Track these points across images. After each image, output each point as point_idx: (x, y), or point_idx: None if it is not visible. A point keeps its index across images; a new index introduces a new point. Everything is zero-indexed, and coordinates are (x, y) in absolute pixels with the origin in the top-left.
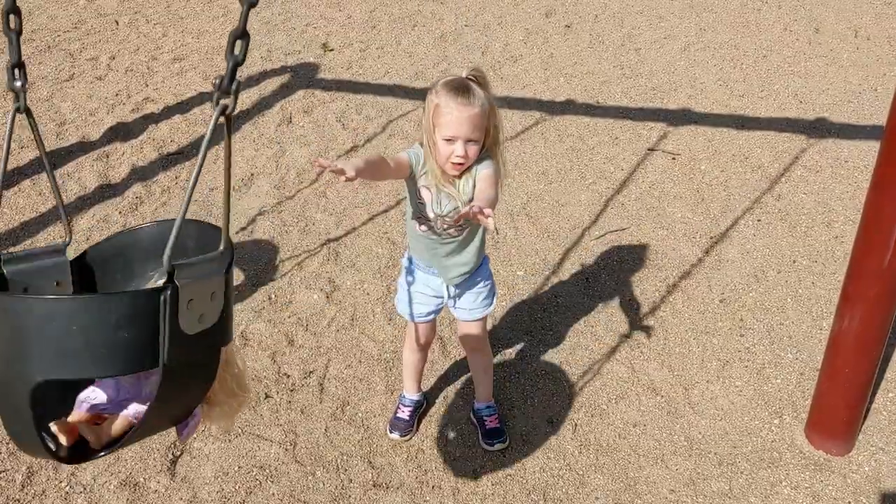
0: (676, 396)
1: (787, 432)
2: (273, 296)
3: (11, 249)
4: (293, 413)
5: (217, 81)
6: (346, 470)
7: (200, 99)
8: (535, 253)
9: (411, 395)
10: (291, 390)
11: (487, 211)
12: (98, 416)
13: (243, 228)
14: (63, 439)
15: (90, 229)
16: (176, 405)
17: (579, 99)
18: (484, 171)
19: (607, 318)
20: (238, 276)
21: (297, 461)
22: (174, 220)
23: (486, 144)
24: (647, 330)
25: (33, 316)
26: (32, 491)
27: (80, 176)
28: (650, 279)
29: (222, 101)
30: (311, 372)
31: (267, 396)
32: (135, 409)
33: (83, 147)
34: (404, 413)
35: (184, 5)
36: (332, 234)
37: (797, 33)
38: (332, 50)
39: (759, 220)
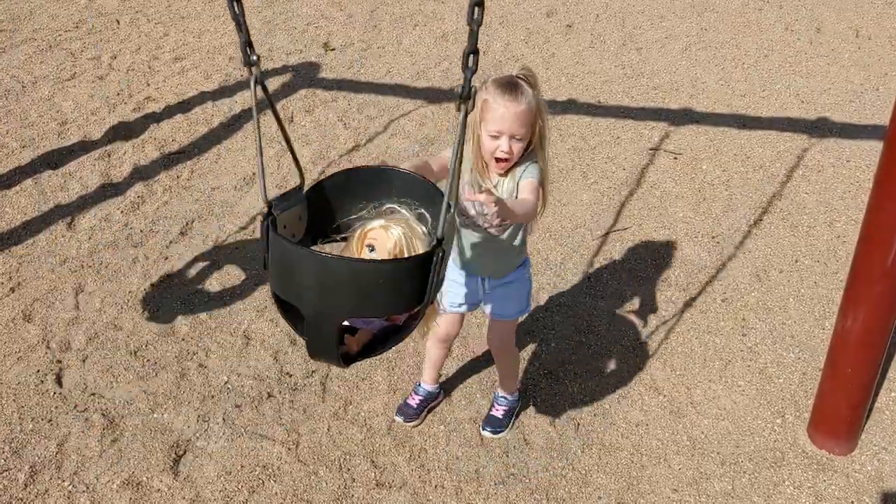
0: (679, 396)
1: (789, 432)
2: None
3: (271, 198)
4: (296, 412)
5: (458, 89)
6: (348, 469)
7: (202, 98)
8: (538, 252)
9: (427, 385)
10: (294, 390)
11: (485, 198)
12: (353, 328)
13: (243, 228)
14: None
15: (92, 228)
16: (418, 322)
17: (581, 98)
18: (528, 178)
19: (609, 317)
20: (240, 275)
21: (300, 460)
22: (379, 167)
23: (532, 144)
24: (650, 330)
25: (355, 272)
26: (35, 490)
27: (82, 175)
28: (652, 279)
29: (464, 106)
30: (313, 371)
31: (269, 396)
32: (377, 324)
33: (85, 146)
34: (414, 401)
35: (185, 5)
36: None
37: (798, 33)
38: (333, 49)
39: (760, 220)
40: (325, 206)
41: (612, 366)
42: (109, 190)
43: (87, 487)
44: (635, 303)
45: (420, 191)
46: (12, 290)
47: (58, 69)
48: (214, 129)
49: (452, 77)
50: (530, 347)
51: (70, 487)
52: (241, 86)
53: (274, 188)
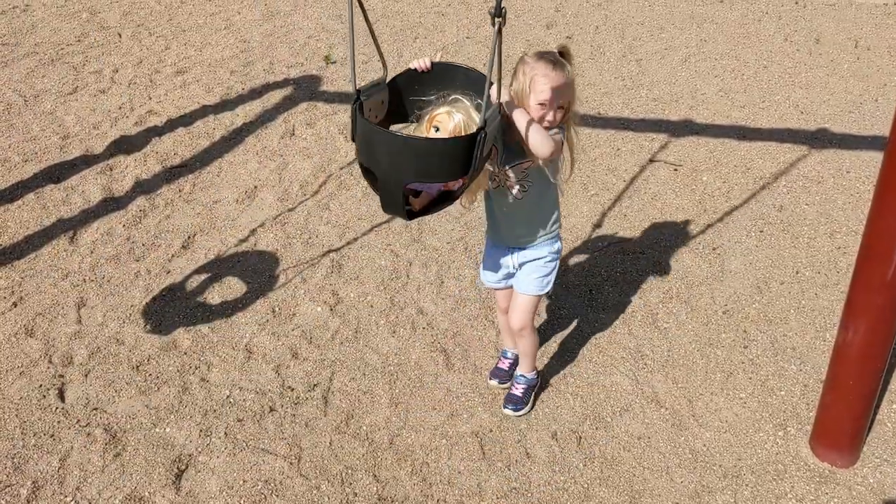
0: (681, 409)
1: (791, 444)
2: (277, 308)
3: (360, 86)
4: (297, 426)
5: (492, 10)
6: (350, 483)
7: (203, 111)
8: None
9: (511, 348)
10: (296, 403)
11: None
12: (415, 191)
13: (244, 240)
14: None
15: (94, 242)
16: (467, 188)
17: (581, 110)
18: (555, 135)
19: (611, 329)
20: (241, 288)
21: (302, 475)
22: (446, 62)
23: (567, 113)
24: (651, 342)
25: (415, 147)
26: None
27: (84, 189)
28: (653, 290)
29: (497, 21)
30: (315, 385)
31: (271, 410)
32: (435, 189)
33: (87, 160)
34: (504, 364)
35: (186, 18)
36: (335, 245)
37: (798, 44)
38: (334, 62)
39: (761, 231)
40: (404, 93)
41: (613, 379)
42: (111, 204)
43: (90, 502)
44: (637, 315)
45: (481, 85)
46: (14, 304)
47: (60, 83)
48: (216, 143)
49: None
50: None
51: (72, 503)
52: (243, 98)
53: (276, 200)
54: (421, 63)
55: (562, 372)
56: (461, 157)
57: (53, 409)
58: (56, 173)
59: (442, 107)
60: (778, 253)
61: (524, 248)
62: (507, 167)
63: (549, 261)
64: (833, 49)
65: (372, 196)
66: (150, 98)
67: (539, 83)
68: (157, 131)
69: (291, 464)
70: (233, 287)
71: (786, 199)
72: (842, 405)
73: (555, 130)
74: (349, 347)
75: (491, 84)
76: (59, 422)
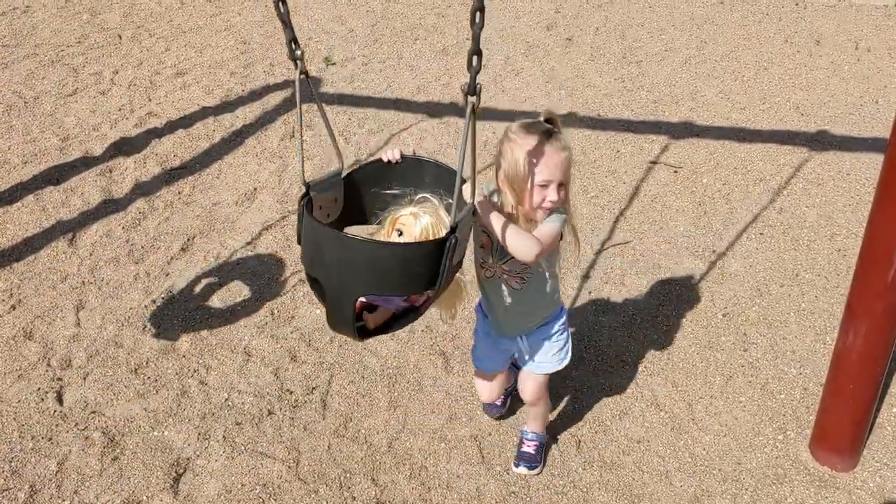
0: (680, 412)
1: (791, 448)
2: (276, 311)
3: (310, 180)
4: (296, 430)
5: (464, 87)
6: (349, 487)
7: (203, 113)
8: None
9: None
10: (294, 407)
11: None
12: (373, 306)
13: (248, 243)
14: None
15: (93, 244)
16: (431, 304)
17: (581, 112)
18: (549, 223)
19: (610, 332)
20: (240, 291)
21: (300, 479)
22: (414, 156)
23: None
24: (651, 345)
25: (372, 252)
26: None
27: (84, 191)
28: (653, 293)
29: (471, 100)
30: (313, 388)
31: (270, 413)
32: (396, 304)
33: (86, 162)
34: (530, 447)
35: (186, 20)
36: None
37: (798, 45)
38: (334, 64)
39: (761, 234)
40: (362, 190)
41: (612, 382)
42: (111, 206)
43: None
44: (636, 318)
45: (451, 182)
46: (13, 307)
47: (60, 84)
48: (216, 145)
49: (453, 91)
50: None
51: None
52: (243, 100)
53: (276, 203)
54: (391, 154)
55: (561, 375)
56: (427, 265)
57: (51, 412)
58: (55, 175)
59: (407, 207)
60: (778, 255)
61: (530, 333)
62: (500, 262)
63: (562, 333)
64: (833, 51)
65: None
66: (150, 100)
67: (534, 161)
68: (157, 133)
69: (290, 467)
70: (232, 290)
71: (786, 201)
72: (842, 409)
73: (553, 217)
74: (348, 350)
75: (464, 181)
76: (57, 425)
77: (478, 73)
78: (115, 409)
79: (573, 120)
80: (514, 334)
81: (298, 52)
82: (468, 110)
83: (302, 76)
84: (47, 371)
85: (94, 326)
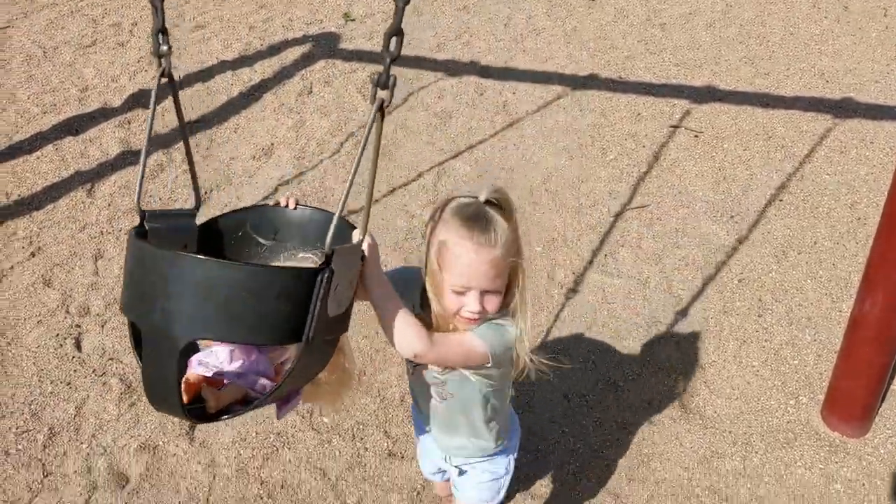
0: (692, 375)
1: (803, 413)
2: None
3: (148, 208)
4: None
5: (375, 77)
6: (361, 439)
7: (221, 67)
8: (554, 228)
9: None
10: None
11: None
12: (220, 381)
13: (264, 198)
14: (183, 397)
15: (112, 195)
16: (298, 381)
17: (602, 74)
18: (467, 335)
19: (625, 295)
20: None
21: (314, 429)
22: (299, 206)
23: (511, 294)
24: (665, 309)
25: (209, 274)
26: (54, 451)
27: (102, 142)
28: (669, 257)
29: (380, 95)
30: None
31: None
32: (253, 381)
33: (105, 113)
34: None
35: None
36: (351, 205)
37: (825, 11)
38: (353, 20)
39: (781, 201)
40: (227, 239)
41: (626, 344)
42: (129, 157)
43: (105, 450)
44: (651, 281)
45: (345, 234)
46: (33, 254)
47: (79, 35)
48: (234, 99)
49: (474, 49)
50: (543, 324)
51: (88, 450)
52: (261, 55)
53: (293, 158)
54: (285, 200)
55: (574, 337)
56: (289, 301)
57: (70, 357)
58: (75, 125)
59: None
60: (797, 222)
61: (458, 460)
62: (412, 368)
63: (493, 479)
64: (861, 17)
65: (387, 157)
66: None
67: (451, 258)
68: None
69: (304, 418)
70: None
71: (807, 168)
72: (855, 376)
73: (482, 329)
74: (362, 305)
75: (350, 229)
76: (75, 370)
77: (394, 60)
78: (132, 356)
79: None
80: (440, 446)
81: (164, 48)
82: (374, 108)
83: (164, 80)
84: (66, 318)
85: (113, 276)
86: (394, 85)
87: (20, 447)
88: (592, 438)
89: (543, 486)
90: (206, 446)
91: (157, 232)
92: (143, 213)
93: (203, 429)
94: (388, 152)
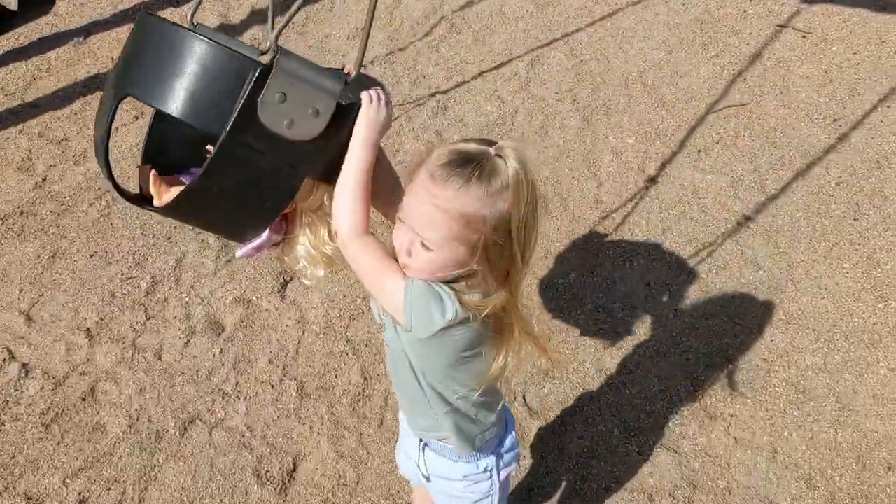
0: (779, 272)
1: (891, 317)
2: (382, 142)
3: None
4: None
5: None
6: None
7: None
8: (648, 122)
9: None
10: None
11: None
12: (175, 180)
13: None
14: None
15: None
16: (226, 203)
17: None
18: (395, 279)
19: (716, 191)
20: None
21: None
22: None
23: (476, 270)
24: (755, 206)
25: (155, 36)
26: (155, 298)
27: (202, 14)
28: (765, 156)
29: None
30: None
31: None
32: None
33: None
34: None
35: None
36: (443, 87)
37: None
38: None
39: (888, 107)
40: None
41: (713, 239)
42: (228, 30)
43: (202, 300)
44: (745, 179)
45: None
46: (136, 117)
47: None
48: None
49: None
50: (632, 214)
51: (187, 299)
52: None
53: (386, 38)
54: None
55: (661, 227)
56: (214, 90)
57: None
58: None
59: None
60: None
61: (428, 444)
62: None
63: (467, 489)
64: None
65: (482, 42)
66: None
67: (414, 180)
68: None
69: None
70: None
71: None
72: None
73: (414, 283)
74: None
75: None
76: (175, 227)
77: None
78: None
79: None
80: (409, 425)
81: None
82: None
83: None
84: None
85: None
86: None
87: (125, 291)
88: (670, 324)
89: (620, 367)
90: (297, 304)
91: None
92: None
93: (294, 288)
94: (481, 38)
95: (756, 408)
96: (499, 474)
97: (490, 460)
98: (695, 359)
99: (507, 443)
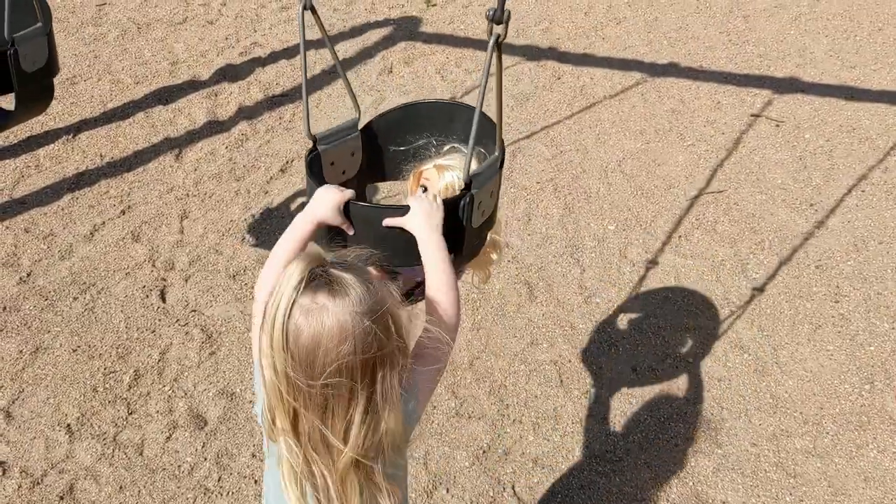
0: (764, 356)
1: (877, 398)
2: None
3: (319, 132)
4: None
5: (490, 13)
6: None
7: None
8: (628, 209)
9: None
10: None
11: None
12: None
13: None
14: None
15: (198, 161)
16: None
17: (682, 63)
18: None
19: (698, 275)
20: None
21: None
22: (443, 100)
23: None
24: (739, 290)
25: (357, 215)
26: (138, 392)
27: (190, 112)
28: (745, 241)
29: (495, 30)
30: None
31: None
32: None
33: (194, 85)
34: None
35: None
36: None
37: None
38: (434, 5)
39: (863, 191)
40: (383, 141)
41: (697, 323)
42: (215, 126)
43: (185, 393)
44: (726, 264)
45: (487, 130)
46: (123, 212)
47: (171, 13)
48: (316, 76)
49: (553, 36)
50: (614, 299)
51: (170, 392)
52: (343, 36)
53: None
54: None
55: (644, 312)
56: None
57: (155, 308)
58: (165, 95)
59: (433, 159)
60: (879, 213)
61: None
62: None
63: None
64: None
65: None
66: (255, 31)
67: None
68: (261, 62)
69: None
70: None
71: (892, 160)
72: None
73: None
74: None
75: (491, 124)
76: (159, 320)
77: None
78: (214, 309)
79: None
80: None
81: None
82: (491, 42)
83: (307, 10)
84: (152, 271)
85: (197, 234)
86: (508, 19)
87: (107, 386)
88: (658, 410)
89: (609, 455)
90: None
91: (328, 151)
92: (313, 138)
93: None
94: None
95: (748, 494)
96: None
97: None
98: (683, 445)
99: None
